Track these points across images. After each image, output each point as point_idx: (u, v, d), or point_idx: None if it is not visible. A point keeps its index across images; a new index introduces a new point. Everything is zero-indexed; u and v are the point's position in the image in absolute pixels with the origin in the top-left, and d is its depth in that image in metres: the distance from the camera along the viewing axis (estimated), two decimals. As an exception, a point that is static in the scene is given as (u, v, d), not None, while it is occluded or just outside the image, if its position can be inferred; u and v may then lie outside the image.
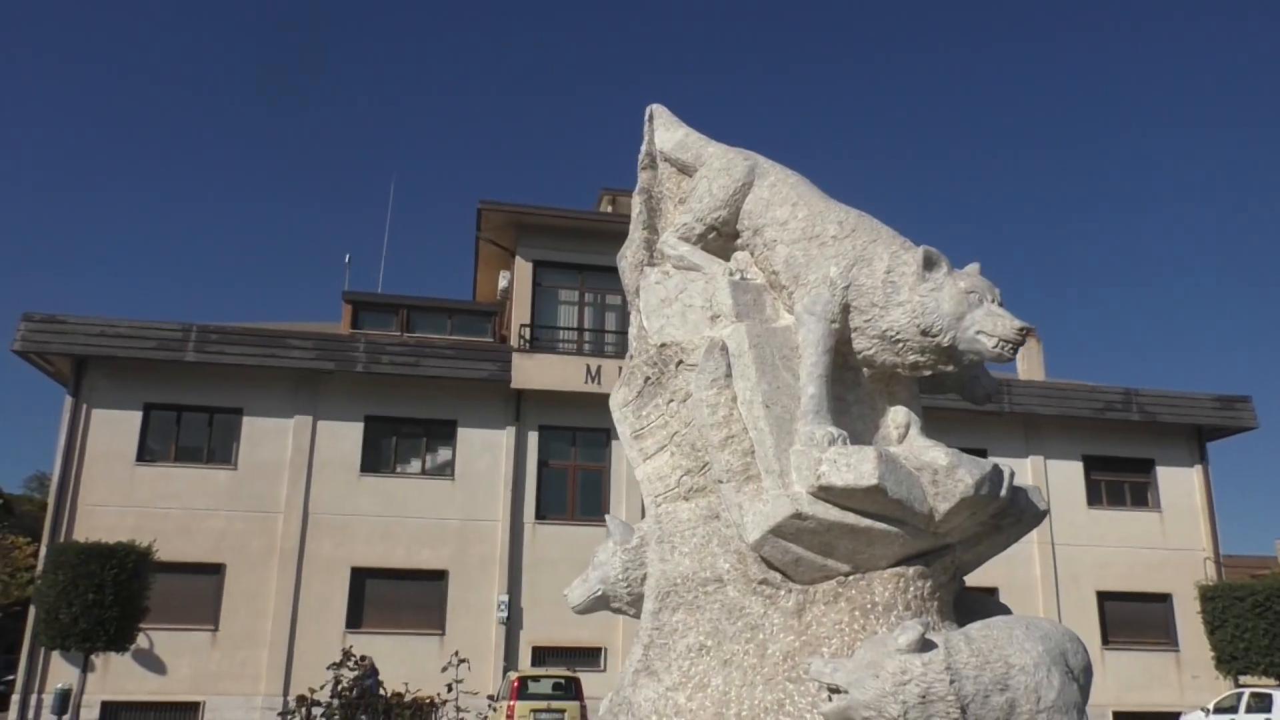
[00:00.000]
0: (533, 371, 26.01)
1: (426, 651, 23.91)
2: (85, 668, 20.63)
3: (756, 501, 4.46)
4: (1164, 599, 28.71)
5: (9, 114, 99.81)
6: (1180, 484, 29.87)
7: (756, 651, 4.54)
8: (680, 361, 5.05)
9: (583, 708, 20.13)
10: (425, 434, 26.36)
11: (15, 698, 23.05)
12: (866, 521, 4.30)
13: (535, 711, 19.57)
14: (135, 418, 24.69)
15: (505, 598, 25.16)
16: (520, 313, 27.08)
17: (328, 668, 9.01)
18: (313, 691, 8.66)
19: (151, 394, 24.90)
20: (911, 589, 4.49)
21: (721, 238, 5.35)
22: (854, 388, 4.89)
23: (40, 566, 22.94)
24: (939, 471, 4.35)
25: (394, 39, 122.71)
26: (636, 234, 5.66)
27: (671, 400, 5.09)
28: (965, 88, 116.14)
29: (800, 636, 4.48)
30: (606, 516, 5.28)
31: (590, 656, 25.09)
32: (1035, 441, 29.22)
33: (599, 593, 5.23)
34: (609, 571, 5.19)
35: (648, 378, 5.23)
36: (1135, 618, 28.35)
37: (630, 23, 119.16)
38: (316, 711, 8.95)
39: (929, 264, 4.51)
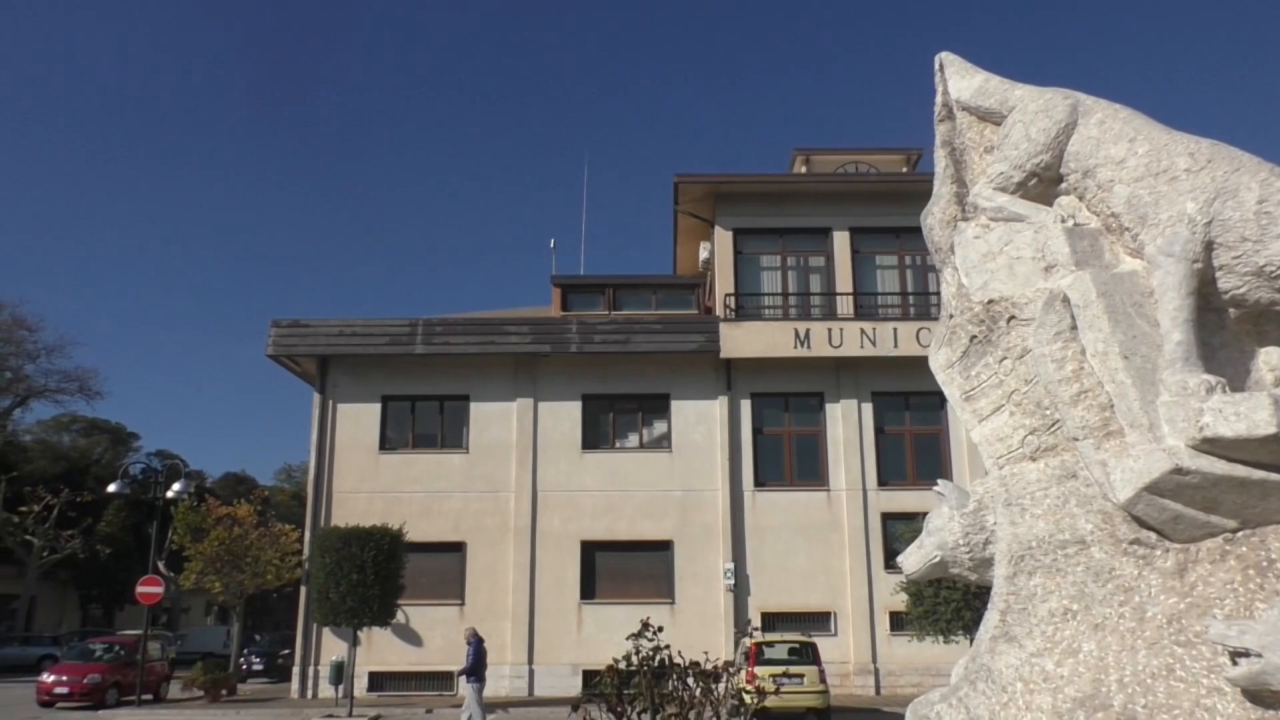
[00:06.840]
0: (741, 340, 25.99)
1: (659, 619, 24.33)
2: (353, 642, 22.40)
3: (1123, 458, 4.21)
4: None
5: (249, 141, 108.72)
6: None
7: (1133, 615, 4.29)
8: (1012, 317, 4.83)
9: (821, 671, 20.06)
10: (640, 409, 26.89)
11: (295, 669, 25.34)
12: (1260, 474, 3.97)
13: (774, 676, 19.61)
14: (375, 410, 26.47)
15: (731, 565, 25.40)
16: (724, 282, 27.09)
17: (627, 638, 9.40)
18: (616, 661, 9.05)
19: (388, 387, 26.62)
20: (1313, 545, 4.13)
21: (1042, 184, 5.05)
22: (1218, 331, 4.53)
23: (306, 551, 25.07)
24: (1346, 414, 3.96)
25: (573, 23, 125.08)
26: (944, 189, 5.42)
27: (1005, 358, 4.87)
28: None
29: (1185, 599, 4.21)
30: (939, 482, 5.12)
31: (820, 621, 24.98)
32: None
33: (936, 559, 5.10)
34: (947, 537, 5.04)
35: (974, 336, 5.02)
36: None
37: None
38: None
39: (1314, 188, 4.10)
